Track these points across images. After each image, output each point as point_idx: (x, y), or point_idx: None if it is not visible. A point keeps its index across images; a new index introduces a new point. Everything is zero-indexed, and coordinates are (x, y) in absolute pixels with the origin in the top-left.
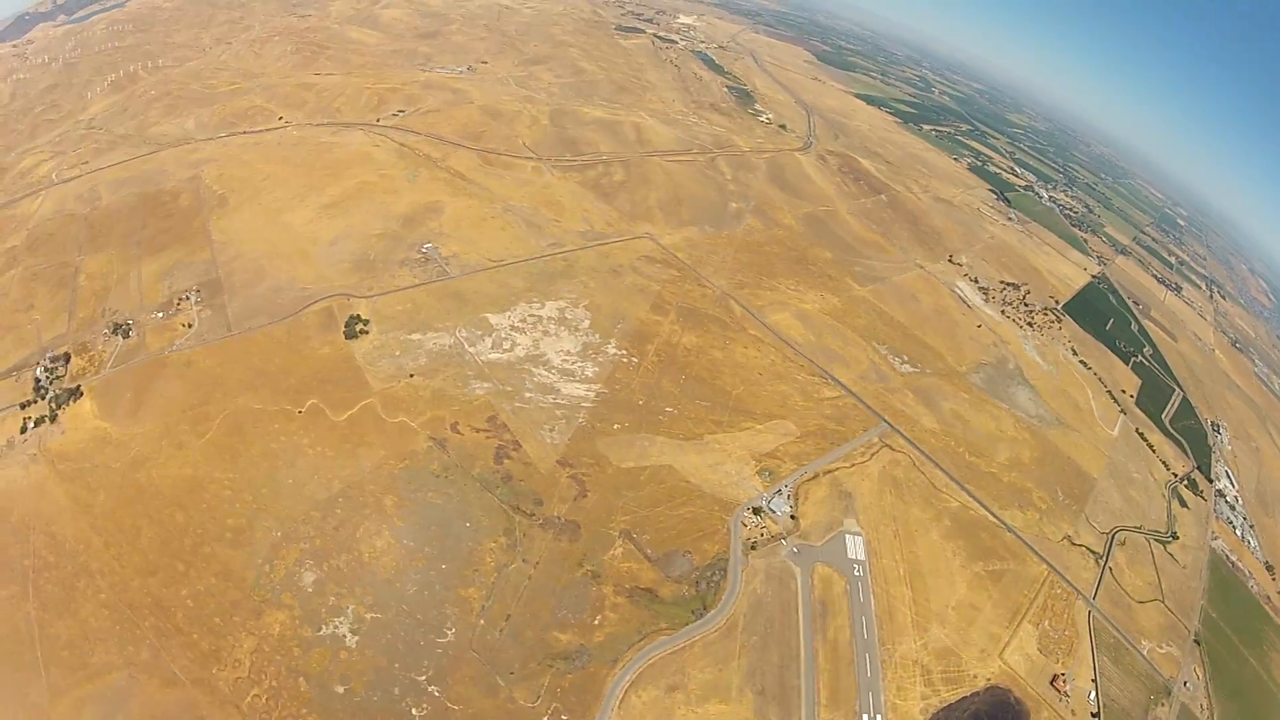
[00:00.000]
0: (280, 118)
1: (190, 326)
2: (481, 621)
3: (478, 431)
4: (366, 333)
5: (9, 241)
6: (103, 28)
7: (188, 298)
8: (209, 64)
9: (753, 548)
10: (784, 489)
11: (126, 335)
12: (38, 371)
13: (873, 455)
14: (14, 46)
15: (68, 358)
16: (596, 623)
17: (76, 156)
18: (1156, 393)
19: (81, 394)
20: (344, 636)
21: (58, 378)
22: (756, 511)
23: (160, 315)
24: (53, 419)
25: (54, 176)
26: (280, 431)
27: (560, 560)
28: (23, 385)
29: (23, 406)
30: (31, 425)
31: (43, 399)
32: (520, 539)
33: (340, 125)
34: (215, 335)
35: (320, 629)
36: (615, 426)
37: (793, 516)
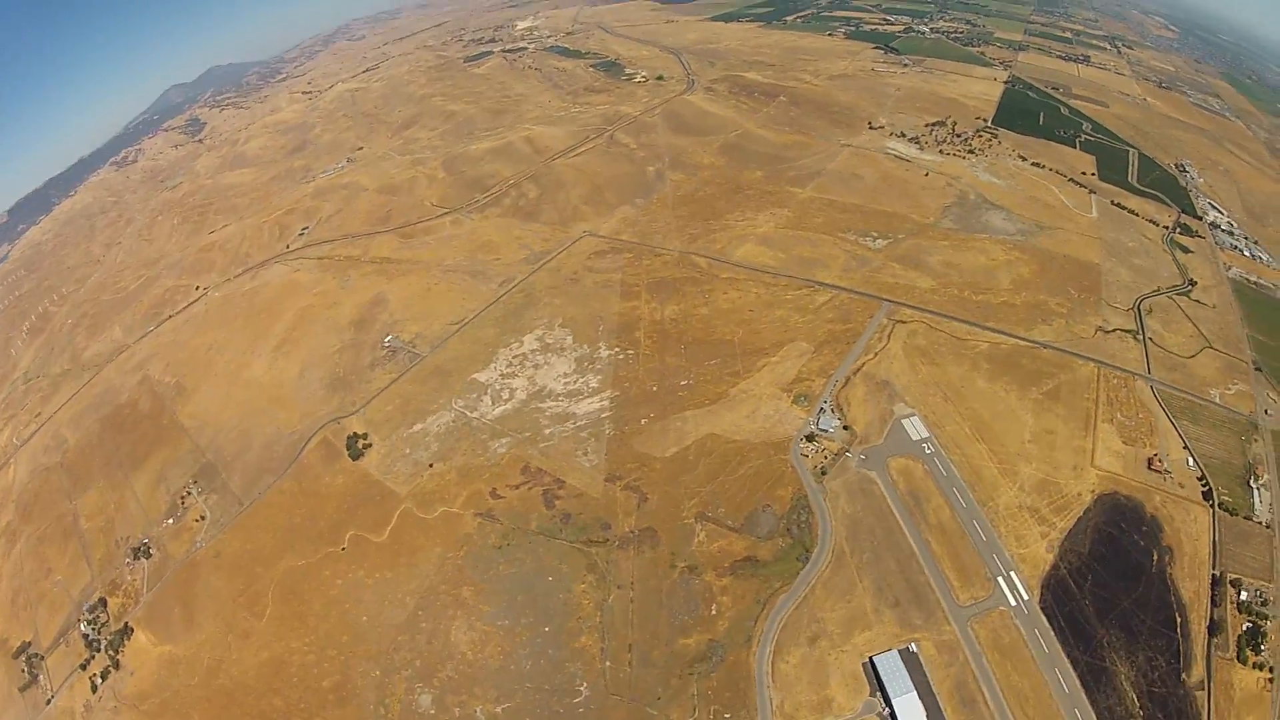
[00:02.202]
0: (197, 287)
1: (204, 518)
2: (608, 663)
3: (518, 488)
4: (370, 445)
5: (1, 520)
6: None
7: (189, 493)
8: (110, 270)
9: (823, 473)
10: (825, 406)
11: (148, 555)
12: (82, 628)
13: (889, 336)
14: None
15: (104, 602)
16: (714, 612)
17: (27, 413)
18: (1113, 160)
19: (132, 630)
20: None
21: (103, 625)
22: (810, 439)
23: (170, 521)
24: (116, 666)
25: (14, 441)
26: (333, 576)
27: (652, 570)
28: (74, 647)
29: (83, 667)
30: (100, 681)
31: (99, 651)
32: (606, 568)
33: (255, 267)
34: (230, 516)
35: None
36: (642, 421)
37: (845, 427)
